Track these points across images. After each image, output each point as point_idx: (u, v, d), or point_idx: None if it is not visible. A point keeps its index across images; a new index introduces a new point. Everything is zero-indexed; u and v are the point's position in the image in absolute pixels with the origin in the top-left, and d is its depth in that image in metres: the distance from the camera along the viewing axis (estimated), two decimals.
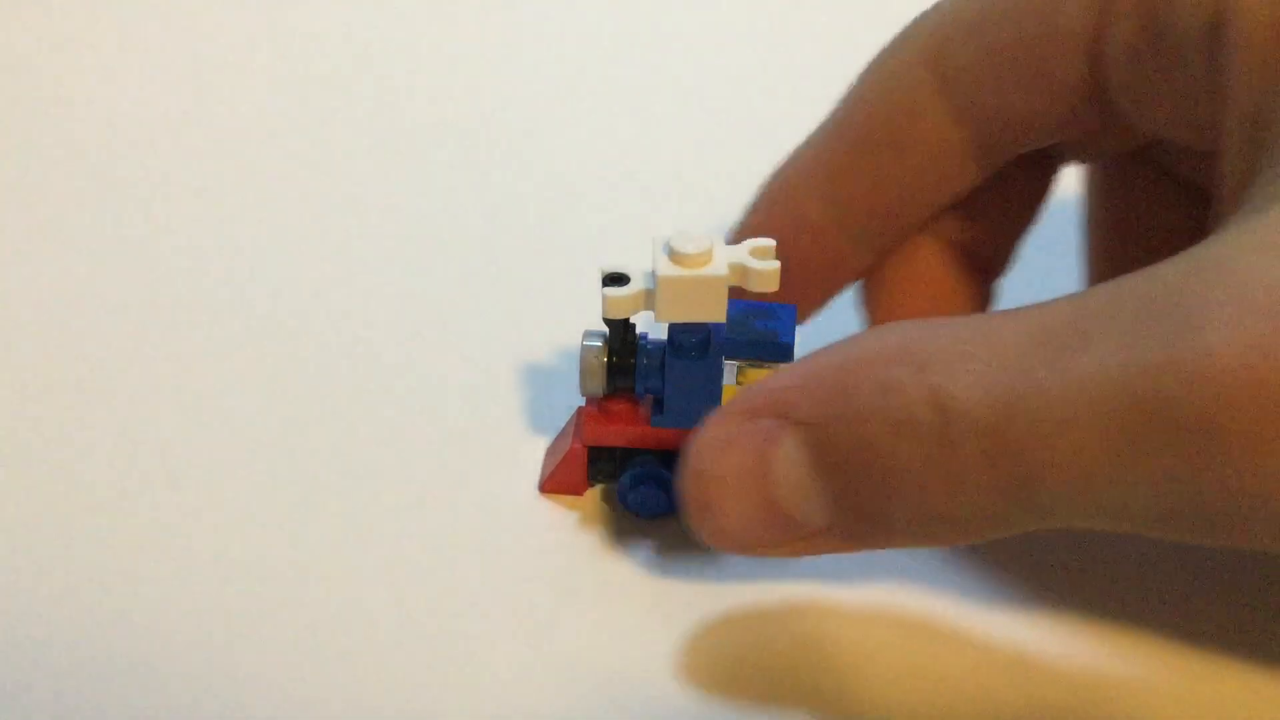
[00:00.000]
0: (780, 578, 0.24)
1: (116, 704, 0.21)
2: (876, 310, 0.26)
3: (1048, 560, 0.24)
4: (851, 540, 0.20)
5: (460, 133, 0.37)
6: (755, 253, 0.23)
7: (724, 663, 0.22)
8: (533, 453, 0.26)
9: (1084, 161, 0.26)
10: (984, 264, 0.26)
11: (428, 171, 0.35)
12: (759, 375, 0.24)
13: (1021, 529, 0.19)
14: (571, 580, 0.24)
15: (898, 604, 0.23)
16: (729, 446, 0.20)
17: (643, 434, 0.24)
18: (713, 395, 0.24)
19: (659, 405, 0.24)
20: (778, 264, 0.23)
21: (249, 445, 0.27)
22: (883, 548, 0.21)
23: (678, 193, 0.34)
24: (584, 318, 0.25)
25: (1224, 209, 0.20)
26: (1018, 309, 0.19)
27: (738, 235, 0.25)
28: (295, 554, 0.24)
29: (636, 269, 0.23)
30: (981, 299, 0.26)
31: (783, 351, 0.23)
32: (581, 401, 0.25)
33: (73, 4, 0.41)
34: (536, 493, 0.25)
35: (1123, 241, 0.26)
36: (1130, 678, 0.22)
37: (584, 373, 0.24)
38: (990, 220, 0.25)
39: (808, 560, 0.23)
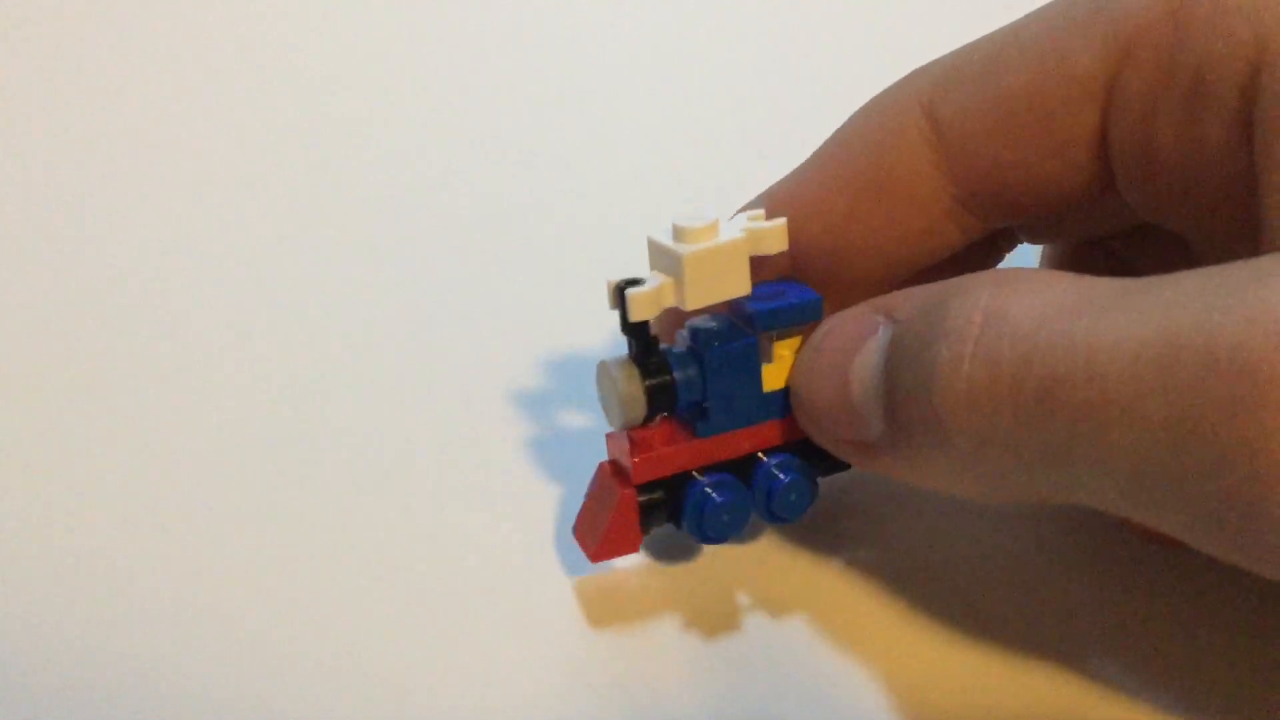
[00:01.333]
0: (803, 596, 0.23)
1: (119, 704, 0.21)
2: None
3: (1049, 560, 0.24)
4: (896, 454, 0.20)
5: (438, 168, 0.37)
6: (753, 219, 0.22)
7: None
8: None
9: (1051, 241, 0.25)
10: None
11: (417, 205, 0.36)
12: (793, 344, 0.22)
13: (1033, 484, 0.18)
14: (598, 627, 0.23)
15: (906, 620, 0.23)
16: (842, 325, 0.21)
17: (694, 450, 0.22)
18: (754, 382, 0.22)
19: (702, 413, 0.22)
20: (784, 220, 0.22)
21: (262, 470, 0.27)
22: (919, 476, 0.20)
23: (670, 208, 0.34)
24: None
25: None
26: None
27: None
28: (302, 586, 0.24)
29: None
30: None
31: (813, 308, 0.22)
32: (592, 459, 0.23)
33: (74, 6, 0.42)
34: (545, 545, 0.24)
35: None
36: (1127, 678, 0.21)
37: (624, 402, 0.22)
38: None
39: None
